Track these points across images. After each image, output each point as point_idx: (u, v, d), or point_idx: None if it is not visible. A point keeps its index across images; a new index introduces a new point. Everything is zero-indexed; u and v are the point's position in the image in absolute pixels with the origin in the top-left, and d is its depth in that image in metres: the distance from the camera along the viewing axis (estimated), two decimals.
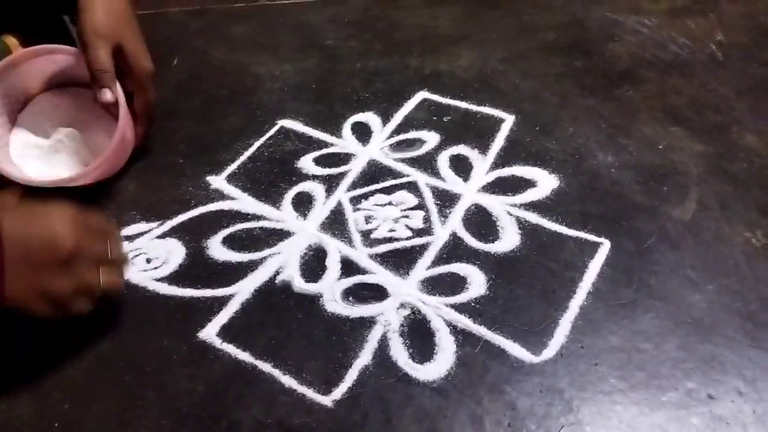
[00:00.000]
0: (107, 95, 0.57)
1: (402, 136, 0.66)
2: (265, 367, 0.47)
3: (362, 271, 0.53)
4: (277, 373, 0.46)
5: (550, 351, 0.46)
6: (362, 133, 0.67)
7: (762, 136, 0.63)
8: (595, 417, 0.43)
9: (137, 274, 0.54)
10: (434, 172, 0.61)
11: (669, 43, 0.76)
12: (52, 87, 0.64)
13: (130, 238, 0.57)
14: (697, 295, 0.49)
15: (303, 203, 0.60)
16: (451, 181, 0.60)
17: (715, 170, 0.59)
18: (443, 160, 0.63)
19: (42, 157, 0.62)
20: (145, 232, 0.58)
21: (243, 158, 0.64)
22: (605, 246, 0.53)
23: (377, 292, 0.51)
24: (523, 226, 0.56)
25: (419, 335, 0.48)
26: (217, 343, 0.49)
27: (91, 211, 0.48)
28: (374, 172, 0.62)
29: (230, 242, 0.56)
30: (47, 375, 0.47)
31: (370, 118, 0.68)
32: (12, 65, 0.60)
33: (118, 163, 0.62)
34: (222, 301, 0.52)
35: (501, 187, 0.59)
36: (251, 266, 0.54)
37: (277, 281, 0.53)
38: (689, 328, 0.47)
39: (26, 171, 0.60)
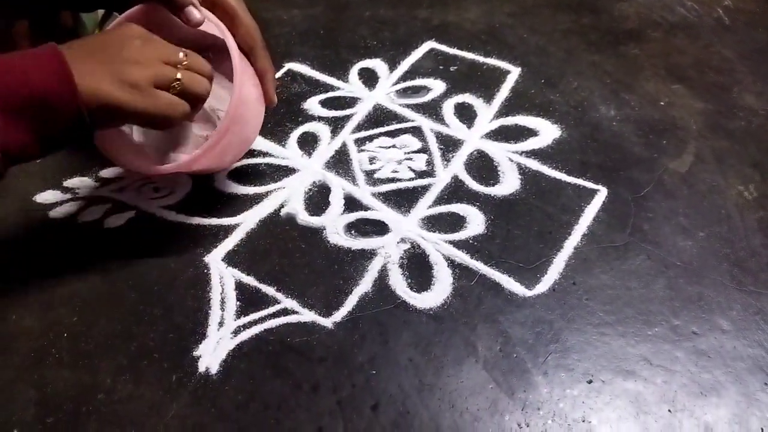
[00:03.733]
0: (194, 14, 0.49)
1: (408, 83, 0.66)
2: (269, 290, 0.49)
3: (365, 208, 0.55)
4: (280, 296, 0.48)
5: (543, 286, 0.48)
6: (369, 78, 0.67)
7: (761, 97, 0.64)
8: (583, 345, 0.45)
9: (145, 201, 0.55)
10: (439, 118, 0.62)
11: (677, 6, 0.77)
12: None
13: None
14: (689, 241, 0.51)
15: (308, 142, 0.61)
16: (455, 127, 0.61)
17: (713, 127, 0.61)
18: (448, 107, 0.64)
19: (169, 138, 0.55)
20: None
21: None
22: (602, 193, 0.55)
23: (378, 227, 0.53)
24: (524, 171, 0.57)
25: (418, 267, 0.50)
26: (222, 267, 0.50)
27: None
28: (379, 116, 0.63)
29: (236, 176, 0.57)
30: (55, 290, 0.49)
31: (377, 64, 0.69)
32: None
33: (249, 125, 0.53)
34: (228, 230, 0.53)
35: (504, 134, 0.60)
36: (256, 199, 0.56)
37: (281, 213, 0.54)
38: (678, 270, 0.49)
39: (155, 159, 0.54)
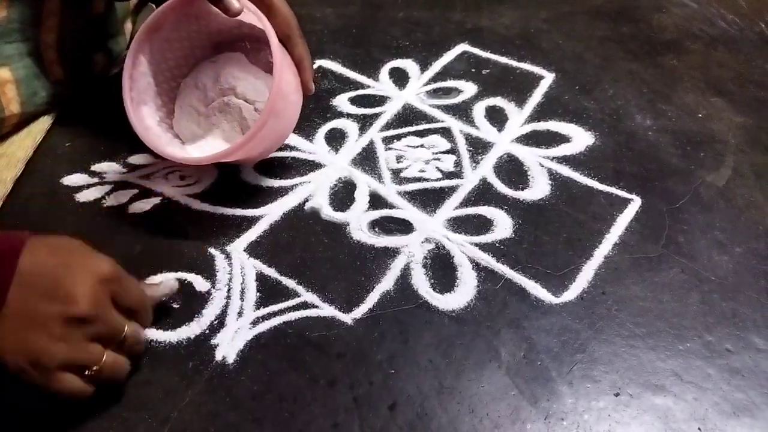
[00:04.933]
0: (233, 3, 0.47)
1: (439, 84, 0.66)
2: (290, 283, 0.48)
3: (390, 206, 0.54)
4: (300, 289, 0.47)
5: (571, 294, 0.47)
6: (399, 78, 0.67)
7: None
8: (610, 357, 0.43)
9: (171, 188, 0.55)
10: (469, 120, 0.61)
11: (717, 19, 0.75)
12: (204, 51, 0.57)
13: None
14: (724, 256, 0.49)
15: (336, 139, 0.60)
16: (485, 130, 0.60)
17: (753, 142, 0.59)
18: (479, 110, 0.63)
19: (204, 128, 0.55)
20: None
21: None
22: (636, 202, 0.53)
23: (403, 226, 0.52)
24: (555, 177, 0.56)
25: (442, 268, 0.49)
26: (244, 257, 0.50)
27: (130, 277, 0.41)
28: (408, 116, 0.62)
29: (262, 168, 0.57)
30: None
31: (408, 64, 0.68)
32: (154, 29, 0.52)
33: (287, 116, 0.53)
34: (251, 221, 0.53)
35: (535, 139, 0.59)
36: (281, 191, 0.55)
37: (306, 207, 0.54)
38: (713, 285, 0.47)
39: (189, 147, 0.54)
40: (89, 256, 0.40)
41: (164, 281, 0.45)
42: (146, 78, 0.54)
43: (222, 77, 0.56)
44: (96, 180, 0.57)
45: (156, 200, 0.54)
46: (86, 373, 0.37)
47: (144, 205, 0.54)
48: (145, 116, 0.53)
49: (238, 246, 0.51)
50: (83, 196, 0.55)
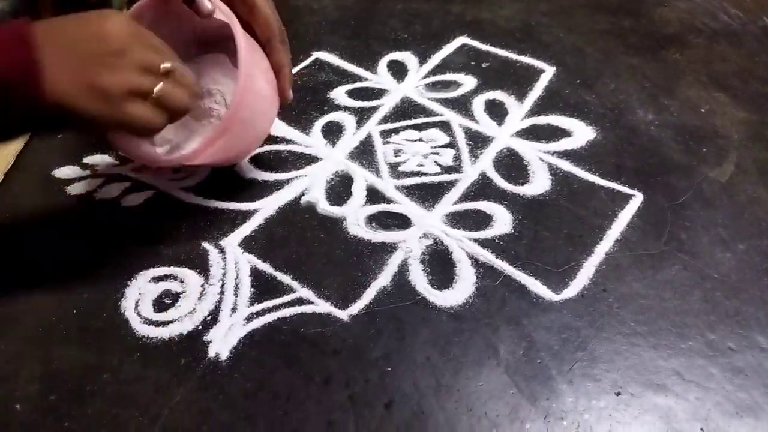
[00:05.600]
0: (205, 4, 0.46)
1: (438, 77, 0.65)
2: (285, 278, 0.47)
3: (387, 201, 0.53)
4: (295, 284, 0.46)
5: (572, 291, 0.46)
6: (398, 71, 0.66)
7: None
8: (611, 356, 0.42)
9: (164, 182, 0.54)
10: (468, 114, 0.60)
11: (720, 13, 0.74)
12: (188, 48, 0.55)
13: None
14: (727, 253, 0.48)
15: (333, 132, 0.59)
16: (484, 124, 0.59)
17: (756, 137, 0.58)
18: (478, 104, 0.62)
19: (183, 130, 0.53)
20: None
21: None
22: (637, 198, 0.52)
23: (401, 221, 0.51)
24: (555, 172, 0.55)
25: (440, 264, 0.48)
26: (238, 252, 0.49)
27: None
28: (407, 109, 0.61)
29: (257, 162, 0.56)
30: (68, 265, 0.48)
31: (407, 57, 0.67)
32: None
33: (256, 121, 0.50)
34: (246, 215, 0.52)
35: (535, 134, 0.58)
36: (277, 185, 0.54)
37: (302, 202, 0.53)
38: (716, 283, 0.46)
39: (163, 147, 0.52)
40: (92, 12, 0.40)
41: None
42: None
43: (203, 80, 0.53)
44: (88, 172, 0.56)
45: (149, 193, 0.53)
46: (150, 98, 0.39)
47: (136, 198, 0.53)
48: None
49: (232, 240, 0.50)
50: (75, 189, 0.54)
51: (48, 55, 0.36)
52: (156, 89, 0.40)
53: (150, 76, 0.40)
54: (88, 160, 0.57)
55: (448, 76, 0.65)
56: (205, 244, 0.49)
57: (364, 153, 0.57)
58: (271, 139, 0.58)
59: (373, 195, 0.53)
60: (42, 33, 0.37)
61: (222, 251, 0.49)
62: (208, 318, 0.44)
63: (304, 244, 0.50)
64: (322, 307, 0.45)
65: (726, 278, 0.46)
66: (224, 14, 0.47)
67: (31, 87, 0.36)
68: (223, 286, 0.47)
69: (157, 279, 0.47)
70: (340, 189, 0.54)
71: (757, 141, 0.57)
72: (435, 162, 0.56)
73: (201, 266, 0.48)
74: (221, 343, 0.43)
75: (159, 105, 0.40)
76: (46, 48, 0.36)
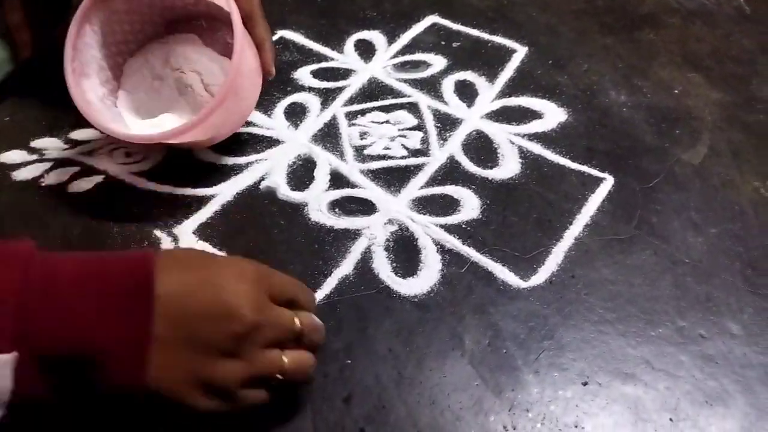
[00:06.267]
0: None
1: (407, 57, 0.62)
2: None
3: (351, 185, 0.51)
4: None
5: (540, 278, 0.44)
6: (365, 50, 0.63)
7: None
8: (579, 344, 0.41)
9: (115, 166, 0.51)
10: (437, 95, 0.58)
11: None
12: (156, 27, 0.54)
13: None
14: (699, 238, 0.47)
15: (296, 113, 0.57)
16: (454, 106, 0.57)
17: (730, 119, 0.56)
18: (448, 85, 0.59)
19: (153, 107, 0.51)
20: None
21: None
22: (608, 182, 0.51)
23: (365, 206, 0.49)
24: (525, 155, 0.53)
25: (405, 251, 0.46)
26: (193, 240, 0.46)
27: (271, 269, 0.36)
28: (374, 90, 0.59)
29: (215, 145, 0.53)
30: None
31: (375, 36, 0.65)
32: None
33: (246, 97, 0.49)
34: (201, 201, 0.49)
35: (506, 115, 0.56)
36: (235, 169, 0.52)
37: (261, 187, 0.50)
38: (687, 268, 0.45)
39: (135, 126, 0.50)
40: (228, 262, 0.36)
41: None
42: (91, 50, 0.49)
43: (173, 58, 0.52)
44: (35, 157, 0.52)
45: (99, 178, 0.50)
46: (272, 382, 0.34)
47: (85, 184, 0.50)
48: (87, 90, 0.48)
49: (186, 228, 0.47)
50: (21, 174, 0.51)
51: (163, 333, 0.30)
52: (287, 368, 0.34)
53: (275, 353, 0.34)
54: (36, 143, 0.53)
55: (418, 56, 0.62)
56: (157, 232, 0.47)
57: (329, 136, 0.55)
58: None
59: (337, 179, 0.51)
60: (162, 291, 0.30)
61: (175, 239, 0.46)
62: None
63: (264, 231, 0.47)
64: None
65: (697, 263, 0.45)
66: None
67: (133, 371, 0.30)
68: None
69: None
70: (302, 173, 0.51)
71: (731, 123, 0.56)
72: (402, 145, 0.54)
73: None
74: None
75: (281, 384, 0.34)
76: (163, 324, 0.30)
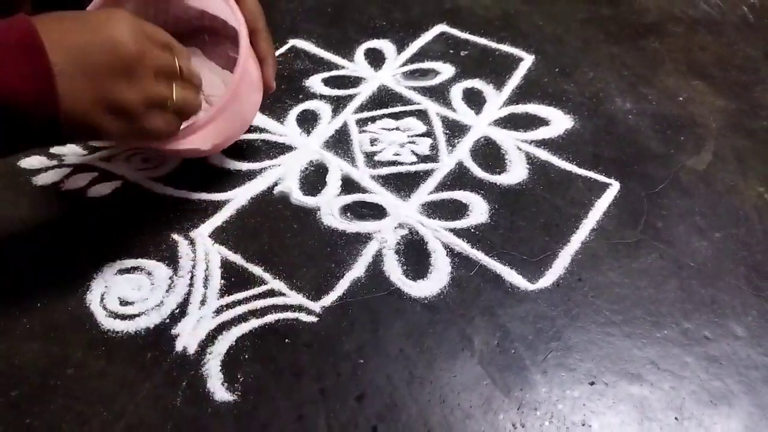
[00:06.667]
0: None
1: (416, 65, 0.64)
2: (256, 270, 0.46)
3: (362, 190, 0.52)
4: (267, 276, 0.45)
5: (547, 280, 0.45)
6: (375, 59, 0.65)
7: None
8: (586, 345, 0.42)
9: (132, 171, 0.53)
10: (446, 103, 0.60)
11: (699, 2, 0.73)
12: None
13: None
14: (704, 242, 0.48)
15: (308, 120, 0.58)
16: (462, 113, 0.59)
17: (734, 126, 0.57)
18: (456, 92, 0.61)
19: None
20: None
21: None
22: (614, 187, 0.52)
23: (376, 211, 0.50)
24: (532, 161, 0.54)
25: (415, 254, 0.47)
26: (209, 243, 0.48)
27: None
28: (384, 98, 0.60)
29: (229, 151, 0.55)
30: (33, 257, 0.47)
31: (384, 45, 0.66)
32: (111, 4, 0.48)
33: (247, 107, 0.50)
34: (216, 205, 0.51)
35: (513, 122, 0.57)
36: (249, 175, 0.53)
37: (275, 192, 0.52)
38: (692, 271, 0.46)
39: None
40: (100, 11, 0.39)
41: None
42: None
43: None
44: (55, 162, 0.54)
45: (117, 183, 0.52)
46: (165, 106, 0.38)
47: (103, 189, 0.51)
48: None
49: (202, 231, 0.48)
50: (41, 180, 0.53)
51: (61, 65, 0.33)
52: (175, 98, 0.39)
53: (165, 81, 0.38)
54: (55, 149, 0.55)
55: (426, 65, 0.64)
56: (175, 236, 0.48)
57: (340, 142, 0.56)
58: None
59: (348, 185, 0.52)
60: (49, 37, 0.33)
61: (192, 243, 0.48)
62: (176, 311, 0.43)
63: (277, 235, 0.48)
64: (294, 299, 0.44)
65: (702, 267, 0.46)
66: (226, 1, 0.46)
67: (47, 104, 0.33)
68: (192, 278, 0.45)
69: (124, 271, 0.46)
70: (314, 179, 0.53)
71: (735, 130, 0.57)
72: (411, 151, 0.55)
73: (170, 258, 0.47)
74: (189, 337, 0.42)
75: (177, 110, 0.40)
76: (58, 56, 0.33)
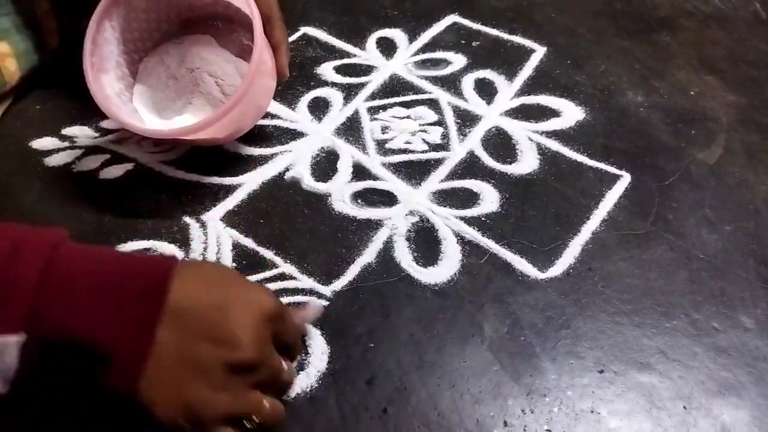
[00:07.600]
0: None
1: (428, 55, 0.64)
2: (267, 254, 0.46)
3: (373, 177, 0.52)
4: (278, 260, 0.46)
5: (557, 269, 0.45)
6: (387, 47, 0.65)
7: None
8: (595, 334, 0.42)
9: (144, 154, 0.53)
10: (457, 92, 0.60)
11: None
12: (171, 26, 0.55)
13: None
14: (714, 235, 0.48)
15: (319, 108, 0.58)
16: (473, 103, 0.59)
17: (745, 120, 0.57)
18: (468, 82, 0.61)
19: (170, 105, 0.52)
20: None
21: None
22: (625, 179, 0.52)
23: (387, 198, 0.50)
24: (543, 152, 0.54)
25: (425, 241, 0.47)
26: (220, 227, 0.48)
27: (287, 307, 0.36)
28: (395, 86, 0.60)
29: (241, 137, 0.54)
30: None
31: (396, 34, 0.66)
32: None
33: (262, 96, 0.50)
34: (228, 189, 0.51)
35: (525, 113, 0.57)
36: (261, 160, 0.53)
37: (286, 177, 0.52)
38: (701, 263, 0.46)
39: (150, 122, 0.51)
40: (248, 289, 0.35)
41: (310, 303, 0.40)
42: (110, 45, 0.50)
43: (189, 59, 0.53)
44: (66, 144, 0.54)
45: (128, 166, 0.52)
46: (246, 424, 0.32)
47: (116, 171, 0.52)
48: (105, 85, 0.49)
49: (214, 215, 0.49)
50: (53, 161, 0.53)
51: (166, 335, 0.30)
52: (258, 418, 0.33)
53: (258, 396, 0.33)
54: (67, 131, 0.55)
55: (438, 54, 0.64)
56: (186, 219, 0.48)
57: (351, 129, 0.56)
58: None
59: (360, 171, 0.52)
60: (173, 297, 0.30)
61: (203, 225, 0.48)
62: None
63: (288, 219, 0.49)
64: (305, 282, 0.44)
65: (712, 259, 0.46)
66: None
67: (131, 371, 0.30)
68: (204, 260, 0.46)
69: (136, 253, 0.46)
70: (325, 165, 0.53)
71: (746, 124, 0.57)
72: (422, 139, 0.55)
73: (181, 241, 0.47)
74: None
75: (252, 427, 0.33)
76: (168, 322, 0.30)
